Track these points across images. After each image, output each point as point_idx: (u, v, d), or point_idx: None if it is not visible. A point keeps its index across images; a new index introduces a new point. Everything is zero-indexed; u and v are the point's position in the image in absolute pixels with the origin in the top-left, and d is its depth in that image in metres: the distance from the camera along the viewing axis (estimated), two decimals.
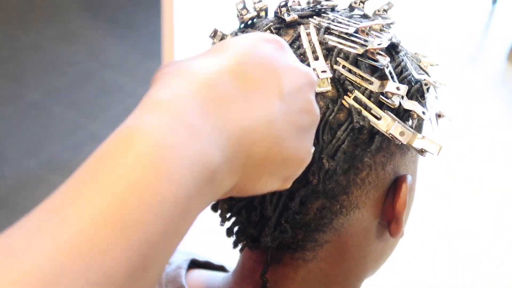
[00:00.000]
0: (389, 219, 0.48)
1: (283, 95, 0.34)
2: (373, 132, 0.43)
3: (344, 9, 0.51)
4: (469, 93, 2.48)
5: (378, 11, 0.51)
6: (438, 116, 0.48)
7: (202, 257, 0.62)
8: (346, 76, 0.43)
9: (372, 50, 0.43)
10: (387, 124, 0.42)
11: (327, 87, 0.42)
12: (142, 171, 0.27)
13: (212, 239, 1.75)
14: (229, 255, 0.65)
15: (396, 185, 0.47)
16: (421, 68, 0.49)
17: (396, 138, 0.42)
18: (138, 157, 0.27)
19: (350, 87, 0.43)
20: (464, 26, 2.95)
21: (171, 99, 0.29)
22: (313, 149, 0.38)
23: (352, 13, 0.50)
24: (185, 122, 0.29)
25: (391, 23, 0.49)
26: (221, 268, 0.62)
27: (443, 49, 2.68)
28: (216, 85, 0.31)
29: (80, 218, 0.25)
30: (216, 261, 0.63)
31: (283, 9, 0.47)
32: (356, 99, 0.42)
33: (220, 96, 0.31)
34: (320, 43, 0.44)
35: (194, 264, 0.60)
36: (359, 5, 0.50)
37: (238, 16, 0.49)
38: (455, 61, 2.66)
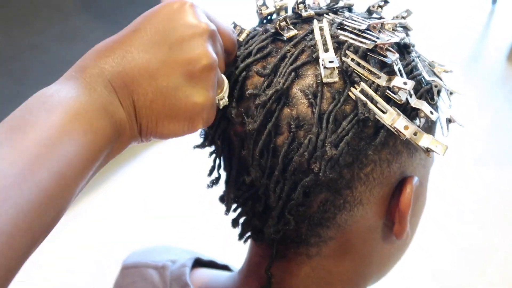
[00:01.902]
0: (394, 219, 0.48)
1: (170, 47, 0.39)
2: (378, 126, 0.43)
3: (362, 13, 0.51)
4: (469, 93, 2.48)
5: (397, 17, 0.51)
6: (449, 121, 0.48)
7: (206, 256, 0.62)
8: (354, 69, 0.43)
9: (381, 45, 0.43)
10: (392, 118, 0.42)
11: (334, 78, 0.43)
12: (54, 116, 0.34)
13: (216, 244, 1.75)
14: (232, 259, 0.65)
15: (401, 185, 0.47)
16: (434, 73, 0.49)
17: (400, 132, 0.42)
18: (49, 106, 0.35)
19: (357, 79, 0.43)
20: (464, 26, 2.95)
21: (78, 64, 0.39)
22: (217, 96, 0.42)
23: (369, 17, 0.50)
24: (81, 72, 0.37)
25: (407, 28, 0.50)
26: (225, 268, 0.62)
27: (443, 49, 2.68)
28: (112, 46, 0.39)
29: None
30: (220, 260, 0.63)
31: (301, 5, 0.48)
32: (362, 91, 0.43)
33: (114, 53, 0.38)
34: (332, 36, 0.45)
35: (199, 263, 0.60)
36: (377, 9, 0.51)
37: (257, 12, 0.50)
38: (455, 61, 2.66)
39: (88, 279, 1.65)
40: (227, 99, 0.44)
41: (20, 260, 0.32)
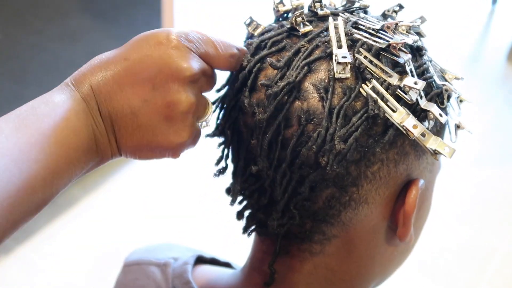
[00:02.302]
0: (398, 221, 0.48)
1: (153, 87, 0.41)
2: (388, 125, 0.44)
3: (377, 16, 0.52)
4: (469, 93, 2.48)
5: (411, 23, 0.52)
6: (457, 127, 0.49)
7: (208, 254, 0.62)
8: (366, 66, 0.44)
9: (394, 45, 0.44)
10: (401, 116, 0.43)
11: (346, 74, 0.43)
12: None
13: (216, 244, 1.75)
14: (231, 259, 0.65)
15: (407, 188, 0.47)
16: (445, 79, 0.50)
17: (408, 130, 0.42)
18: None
19: (369, 76, 0.44)
20: (464, 26, 2.95)
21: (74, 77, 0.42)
22: (193, 132, 0.44)
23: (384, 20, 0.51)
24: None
25: (420, 33, 0.50)
26: (227, 265, 0.63)
27: (443, 49, 2.68)
28: (106, 69, 0.42)
29: None
30: (222, 258, 0.63)
31: (317, 4, 0.49)
32: (373, 88, 0.43)
33: (105, 89, 0.42)
34: (346, 34, 0.45)
35: (201, 260, 0.60)
36: (392, 13, 0.52)
37: (274, 9, 0.51)
38: (455, 61, 2.66)
39: (88, 279, 1.65)
40: (208, 124, 0.46)
41: None
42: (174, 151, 0.43)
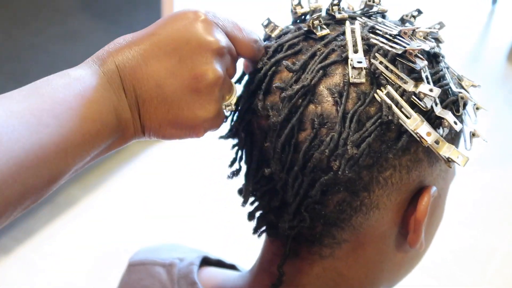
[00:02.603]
0: (409, 228, 0.48)
1: (179, 60, 0.41)
2: (401, 131, 0.43)
3: (395, 21, 0.52)
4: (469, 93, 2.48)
5: (429, 28, 0.51)
6: (473, 135, 0.49)
7: (214, 256, 0.62)
8: (381, 71, 0.44)
9: (411, 51, 0.44)
10: (415, 123, 0.43)
11: (361, 79, 0.43)
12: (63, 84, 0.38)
13: (217, 244, 1.74)
14: (232, 260, 0.65)
15: (419, 195, 0.47)
16: (462, 87, 0.50)
17: (422, 138, 0.42)
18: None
19: (384, 82, 0.43)
20: (464, 26, 2.95)
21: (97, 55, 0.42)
22: (224, 102, 0.44)
23: (402, 25, 0.51)
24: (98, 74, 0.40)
25: (438, 39, 0.50)
26: (233, 267, 0.62)
27: (443, 49, 2.68)
28: (130, 46, 0.41)
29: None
30: (227, 260, 0.63)
31: (335, 7, 0.49)
32: (388, 94, 0.43)
33: (129, 64, 0.41)
34: (362, 38, 0.45)
35: (206, 262, 0.60)
36: (410, 18, 0.52)
37: (291, 11, 0.51)
38: (455, 61, 2.66)
39: (88, 279, 1.65)
40: (233, 106, 0.46)
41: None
42: (198, 128, 0.42)
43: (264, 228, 0.51)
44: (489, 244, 1.82)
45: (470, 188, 2.02)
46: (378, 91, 0.43)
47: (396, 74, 0.44)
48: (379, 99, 0.43)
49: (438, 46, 0.50)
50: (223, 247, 1.63)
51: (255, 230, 0.51)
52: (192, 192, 1.92)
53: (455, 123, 0.44)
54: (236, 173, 0.52)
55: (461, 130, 0.49)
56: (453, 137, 0.48)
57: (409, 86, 0.43)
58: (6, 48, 1.53)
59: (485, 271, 1.75)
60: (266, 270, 0.52)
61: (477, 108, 0.50)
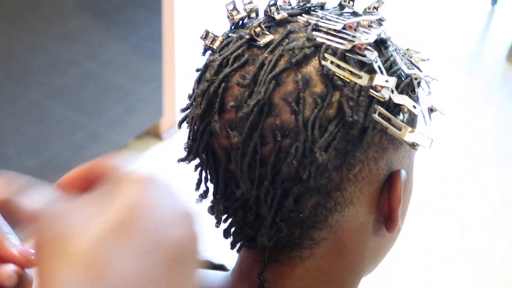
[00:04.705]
0: (385, 214, 0.48)
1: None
2: (365, 127, 0.43)
3: (334, 8, 0.51)
4: (469, 93, 2.48)
5: (369, 8, 0.51)
6: (431, 110, 0.49)
7: (202, 256, 0.62)
8: (334, 72, 0.43)
9: (359, 45, 0.44)
10: (407, 133, 0.43)
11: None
12: None
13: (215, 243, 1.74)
14: (226, 253, 0.65)
15: (390, 180, 0.47)
16: (412, 63, 0.49)
17: (419, 145, 0.43)
18: None
19: (339, 83, 0.43)
20: (464, 26, 2.95)
21: None
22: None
23: (342, 11, 0.50)
24: None
25: (381, 19, 0.49)
26: (221, 267, 0.62)
27: (443, 49, 2.68)
28: (96, 256, 0.28)
29: None
30: (216, 260, 0.63)
31: (273, 8, 0.47)
32: (380, 115, 0.43)
33: (99, 267, 0.28)
34: (308, 39, 0.44)
35: None
36: (348, 3, 0.50)
37: (228, 17, 0.49)
38: (455, 61, 2.66)
39: None
40: None
41: None
42: None
43: (241, 242, 0.50)
44: (489, 244, 1.82)
45: (470, 187, 2.02)
46: (373, 115, 0.43)
47: (349, 70, 0.43)
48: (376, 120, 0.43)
49: (381, 24, 0.49)
50: (223, 247, 1.63)
51: (233, 245, 0.50)
52: (191, 192, 1.91)
53: (414, 107, 0.44)
54: (204, 195, 0.51)
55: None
56: (413, 117, 0.48)
57: (364, 81, 0.43)
58: (6, 48, 1.54)
59: (485, 271, 1.75)
60: (247, 277, 0.51)
61: (430, 80, 0.49)
